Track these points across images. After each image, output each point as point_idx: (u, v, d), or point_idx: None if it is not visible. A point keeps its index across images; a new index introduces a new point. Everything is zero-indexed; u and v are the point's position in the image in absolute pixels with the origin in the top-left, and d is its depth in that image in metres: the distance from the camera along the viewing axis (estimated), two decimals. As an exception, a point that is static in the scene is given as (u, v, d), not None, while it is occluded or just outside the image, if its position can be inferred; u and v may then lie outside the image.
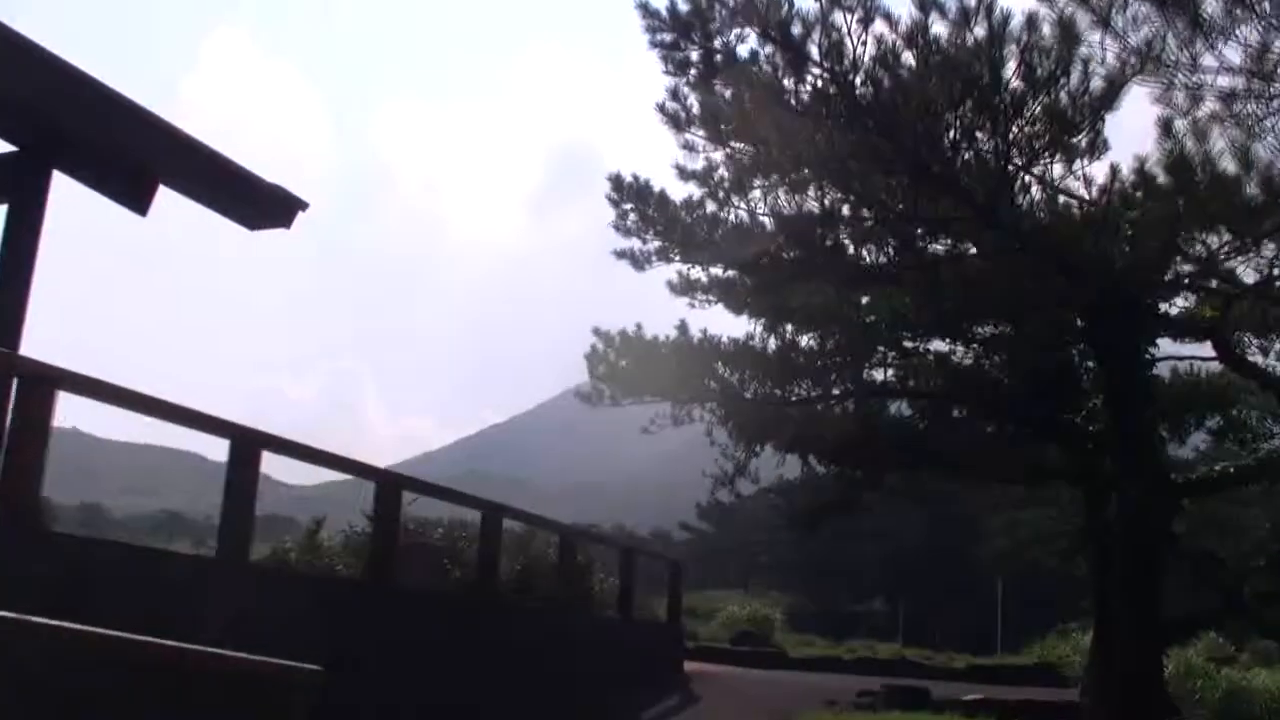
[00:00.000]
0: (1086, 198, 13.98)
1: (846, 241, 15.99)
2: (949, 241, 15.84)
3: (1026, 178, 13.58)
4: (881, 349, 17.69)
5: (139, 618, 8.16)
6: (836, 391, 17.88)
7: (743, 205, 16.08)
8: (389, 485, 14.55)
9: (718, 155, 15.69)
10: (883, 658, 31.61)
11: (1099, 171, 14.21)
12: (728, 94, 15.05)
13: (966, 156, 13.19)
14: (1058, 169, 13.84)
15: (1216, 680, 23.24)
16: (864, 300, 18.30)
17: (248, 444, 12.64)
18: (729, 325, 19.98)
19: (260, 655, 5.97)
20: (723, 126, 15.18)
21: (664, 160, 17.22)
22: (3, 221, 8.82)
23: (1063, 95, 12.73)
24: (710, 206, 16.66)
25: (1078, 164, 13.61)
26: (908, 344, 18.33)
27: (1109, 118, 13.30)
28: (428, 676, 13.92)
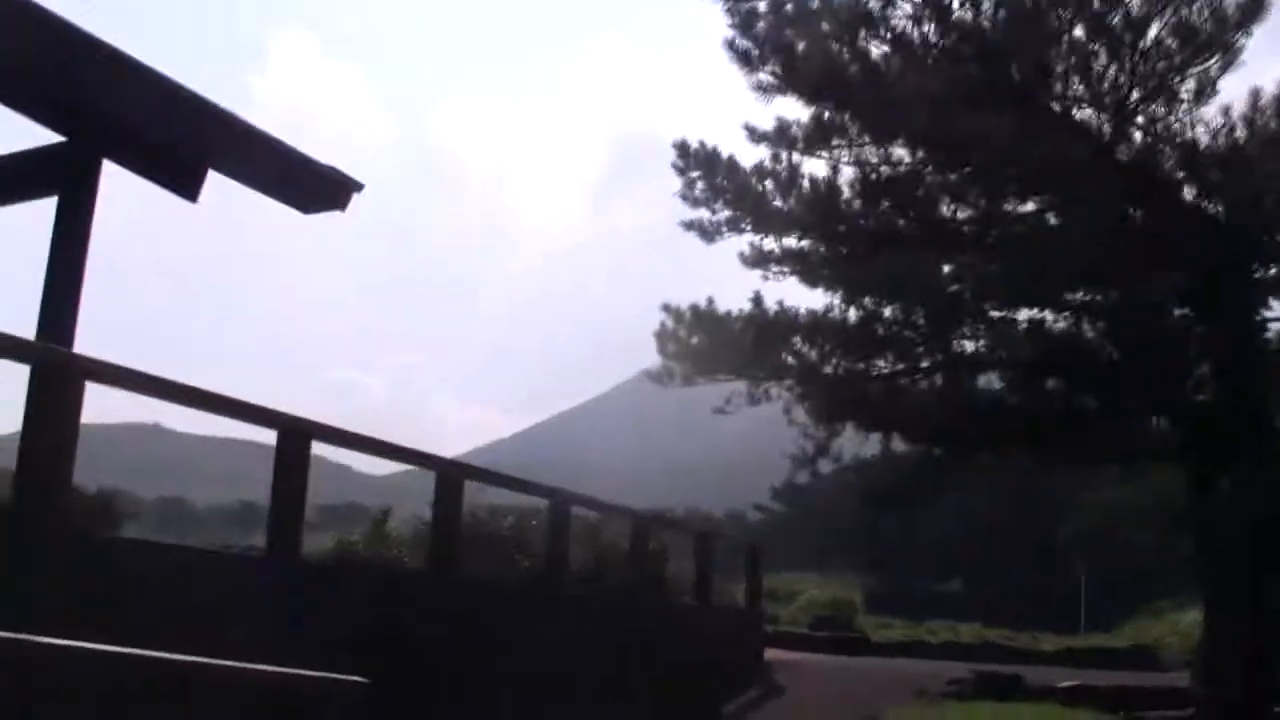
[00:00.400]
0: (1220, 125, 12.54)
1: (936, 199, 14.82)
2: (1047, 196, 14.60)
3: (1153, 109, 12.24)
4: (969, 319, 16.45)
5: (179, 622, 7.55)
6: (924, 364, 16.68)
7: (822, 160, 14.99)
8: (449, 475, 13.71)
9: (791, 103, 14.58)
10: (967, 641, 30.40)
11: (1236, 96, 12.74)
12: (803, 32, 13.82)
13: (1078, 89, 11.90)
14: (1184, 101, 12.38)
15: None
16: (948, 268, 17.14)
17: (295, 435, 11.86)
18: (804, 299, 18.83)
19: (309, 655, 6.08)
20: (798, 65, 13.97)
21: (731, 136, 16.24)
22: (53, 213, 8.57)
23: (1194, 9, 11.22)
24: (783, 168, 15.62)
25: (1207, 94, 12.15)
26: (995, 313, 17.10)
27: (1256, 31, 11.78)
28: (489, 674, 13.08)
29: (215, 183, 9.11)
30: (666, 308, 16.53)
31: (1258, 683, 15.25)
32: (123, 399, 11.31)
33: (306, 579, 11.71)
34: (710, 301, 16.43)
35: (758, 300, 16.29)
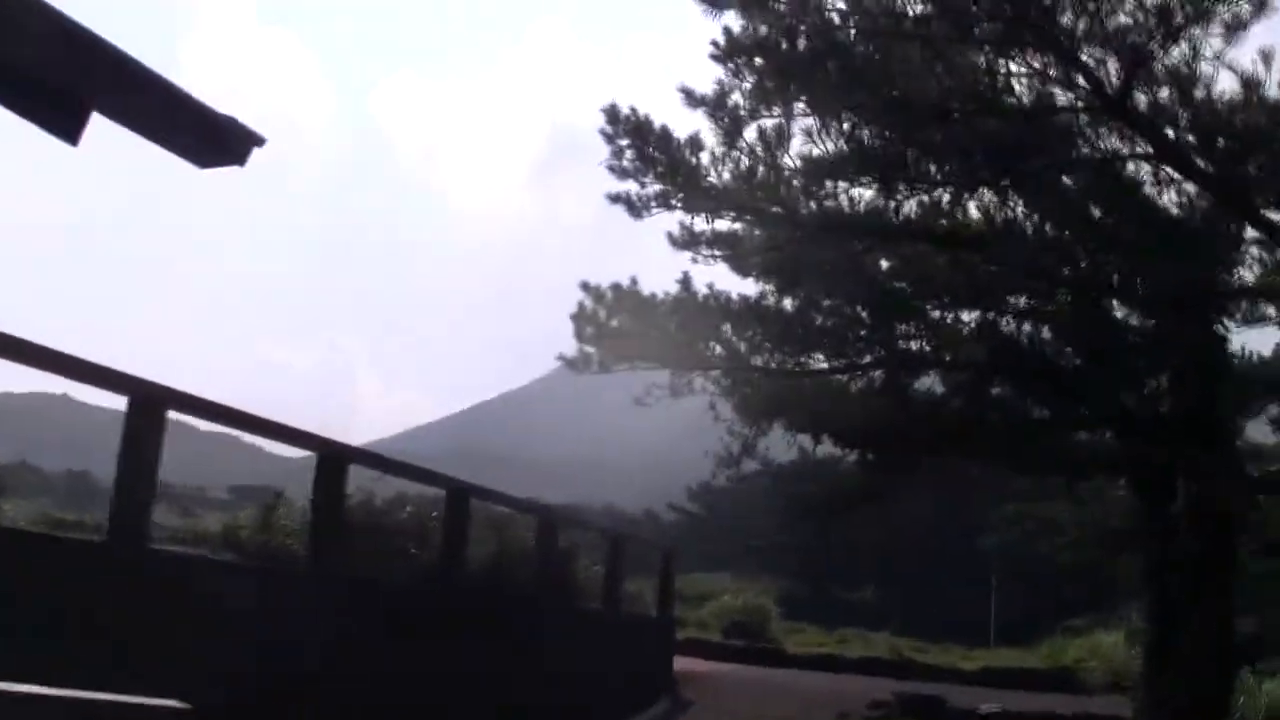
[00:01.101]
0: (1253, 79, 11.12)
1: (889, 180, 13.37)
2: (1010, 181, 13.23)
3: (1170, 54, 10.79)
4: (914, 316, 15.07)
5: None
6: (864, 361, 15.25)
7: (764, 127, 13.52)
8: (330, 457, 12.06)
9: (738, 70, 13.07)
10: (886, 657, 29.07)
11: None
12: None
13: (1089, 25, 10.40)
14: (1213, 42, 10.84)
15: (1257, 698, 20.91)
16: (890, 262, 15.79)
17: (148, 403, 10.19)
18: (736, 287, 17.42)
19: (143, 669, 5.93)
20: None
21: (669, 116, 14.77)
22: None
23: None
24: (719, 141, 14.14)
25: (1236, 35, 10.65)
26: (938, 313, 15.77)
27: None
28: (363, 680, 11.45)
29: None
30: (585, 286, 14.96)
31: (1210, 709, 14.13)
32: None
33: (152, 573, 10.00)
34: (634, 282, 14.90)
35: (686, 282, 14.77)
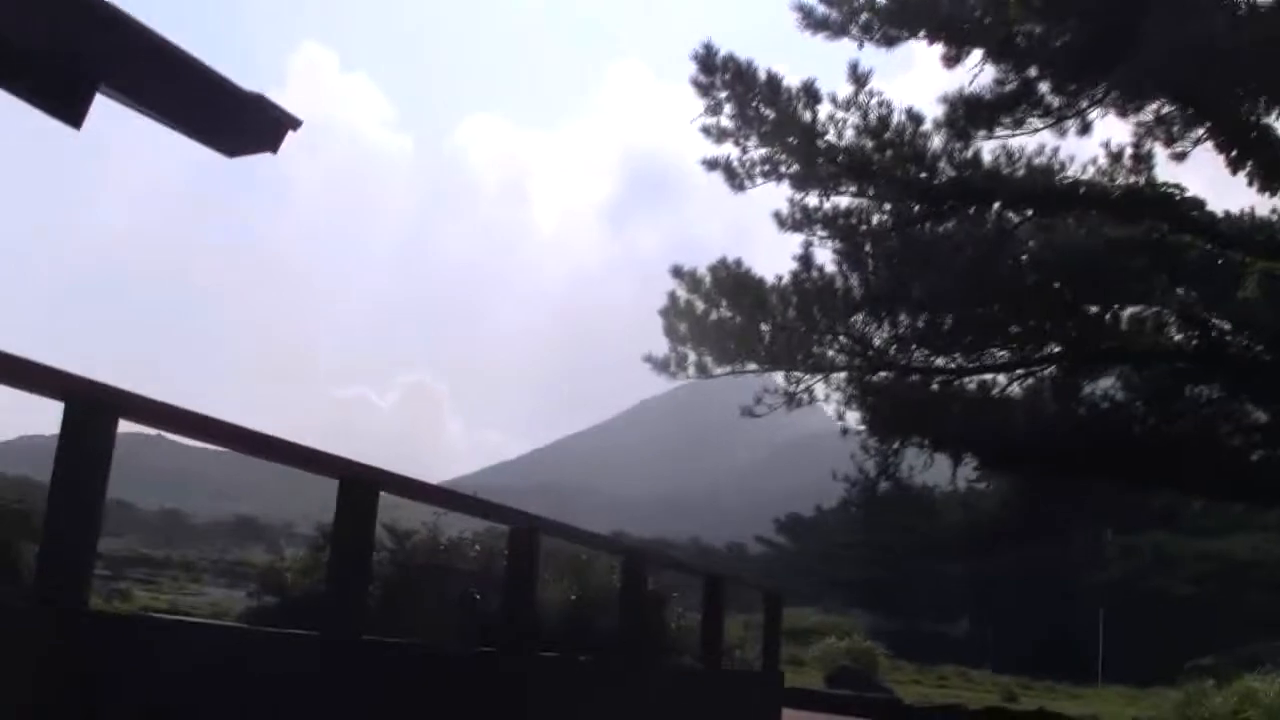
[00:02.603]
0: None
1: (1062, 120, 10.16)
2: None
3: None
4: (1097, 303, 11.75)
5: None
6: (1030, 357, 11.94)
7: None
8: (356, 483, 9.03)
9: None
10: (1017, 708, 25.19)
11: None
12: None
13: None
14: None
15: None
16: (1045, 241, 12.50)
17: (92, 409, 7.20)
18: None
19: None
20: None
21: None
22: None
23: None
24: (838, 93, 11.04)
25: None
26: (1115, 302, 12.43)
27: None
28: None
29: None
30: (679, 272, 11.87)
31: None
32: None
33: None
34: (738, 263, 11.78)
35: (806, 259, 11.62)
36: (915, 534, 48.48)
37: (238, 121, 7.81)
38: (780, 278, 11.74)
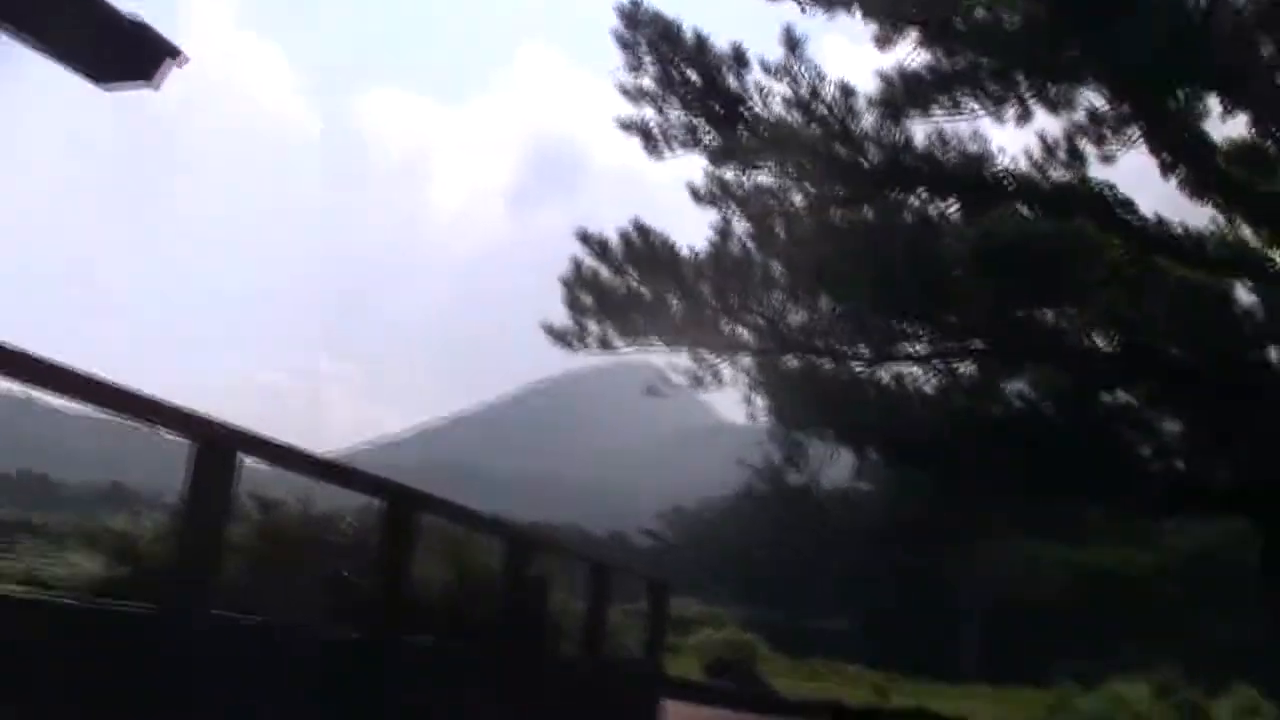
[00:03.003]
0: None
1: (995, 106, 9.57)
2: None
3: None
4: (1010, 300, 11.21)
5: None
6: (949, 349, 11.35)
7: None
8: (212, 441, 8.00)
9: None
10: (895, 707, 24.71)
11: None
12: None
13: None
14: None
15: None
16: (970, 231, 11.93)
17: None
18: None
19: None
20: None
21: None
22: None
23: None
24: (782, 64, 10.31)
25: None
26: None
27: None
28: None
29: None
30: (586, 238, 11.02)
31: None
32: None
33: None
34: (653, 231, 10.96)
35: (724, 232, 10.87)
36: (804, 529, 48.47)
37: (110, 44, 6.78)
38: (696, 251, 10.95)
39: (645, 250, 10.77)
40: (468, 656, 11.25)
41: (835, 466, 12.31)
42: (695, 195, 11.46)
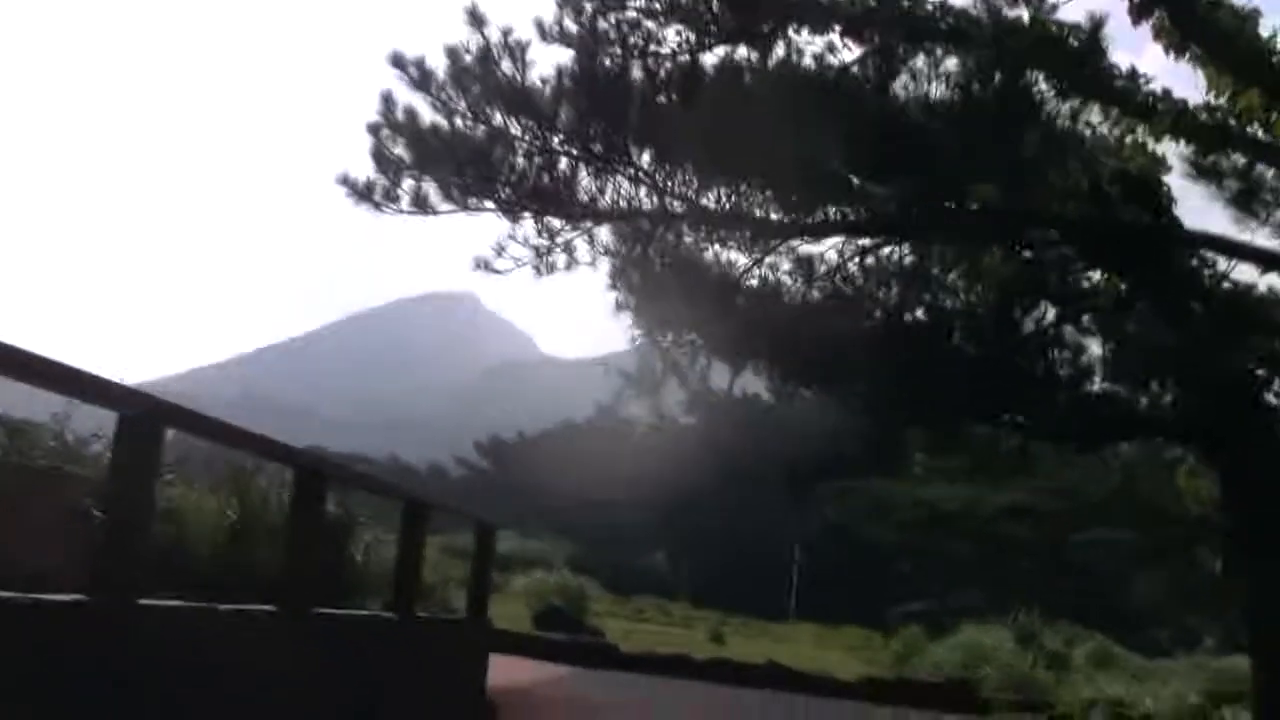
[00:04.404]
0: None
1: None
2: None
3: None
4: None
5: None
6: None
7: None
8: None
9: None
10: (742, 660, 22.61)
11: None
12: None
13: None
14: None
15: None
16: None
17: None
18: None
19: None
20: None
21: None
22: None
23: None
24: None
25: None
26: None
27: None
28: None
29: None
30: (400, 62, 8.06)
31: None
32: None
33: None
34: (491, 50, 8.05)
35: (591, 54, 8.06)
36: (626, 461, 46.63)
37: None
38: (549, 78, 8.12)
39: (483, 74, 7.90)
40: (238, 620, 8.39)
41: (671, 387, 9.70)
42: (542, 32, 8.64)
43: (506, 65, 7.78)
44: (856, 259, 9.29)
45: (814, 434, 10.24)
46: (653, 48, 8.75)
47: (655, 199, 8.31)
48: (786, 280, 9.31)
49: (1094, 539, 42.74)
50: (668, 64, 8.72)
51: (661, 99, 8.19)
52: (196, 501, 11.48)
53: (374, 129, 8.27)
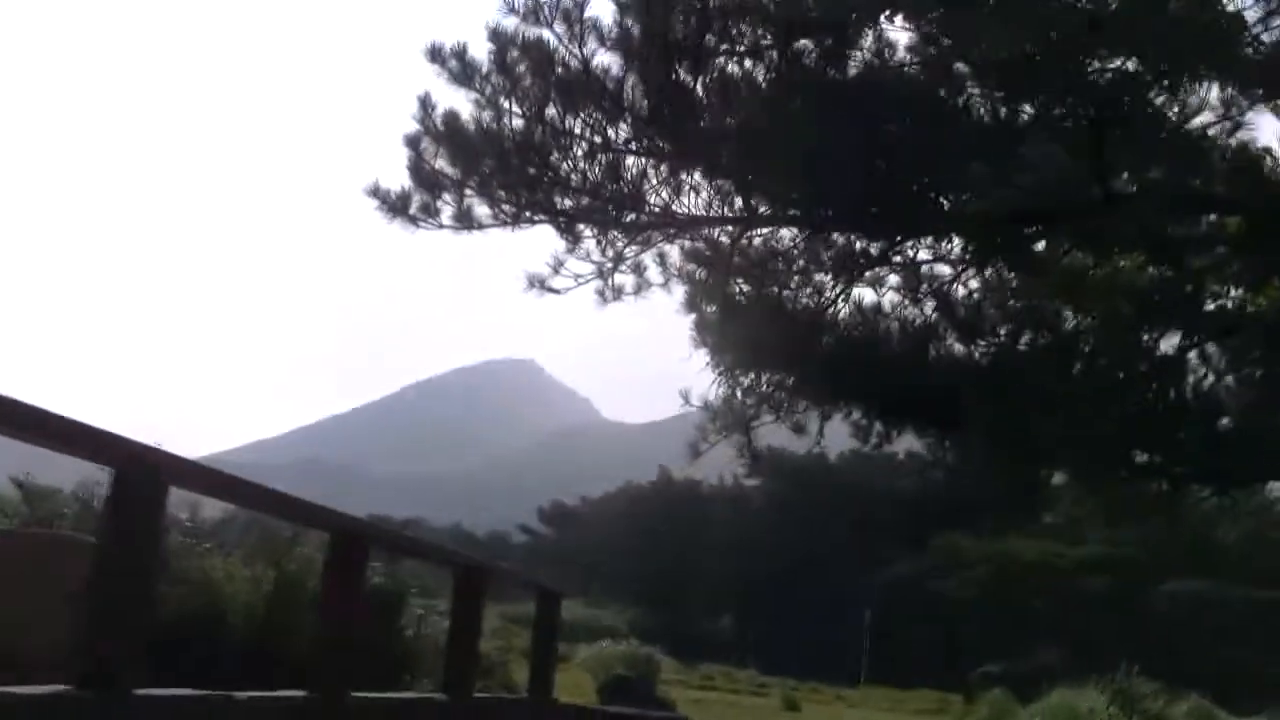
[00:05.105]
0: None
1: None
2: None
3: None
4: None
5: None
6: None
7: None
8: None
9: None
10: None
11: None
12: None
13: None
14: None
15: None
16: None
17: None
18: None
19: None
20: None
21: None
22: None
23: None
24: None
25: None
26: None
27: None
28: None
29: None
30: (437, 54, 6.86)
31: None
32: None
33: None
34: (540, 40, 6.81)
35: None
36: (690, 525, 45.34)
37: None
38: (628, 64, 6.79)
39: (540, 57, 6.65)
40: (257, 709, 7.12)
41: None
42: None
43: (562, 51, 6.55)
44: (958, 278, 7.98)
45: (904, 487, 8.86)
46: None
47: (739, 205, 7.07)
48: (886, 305, 8.01)
49: (1173, 590, 40.84)
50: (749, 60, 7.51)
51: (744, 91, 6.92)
52: (226, 571, 10.35)
53: (412, 141, 7.11)
